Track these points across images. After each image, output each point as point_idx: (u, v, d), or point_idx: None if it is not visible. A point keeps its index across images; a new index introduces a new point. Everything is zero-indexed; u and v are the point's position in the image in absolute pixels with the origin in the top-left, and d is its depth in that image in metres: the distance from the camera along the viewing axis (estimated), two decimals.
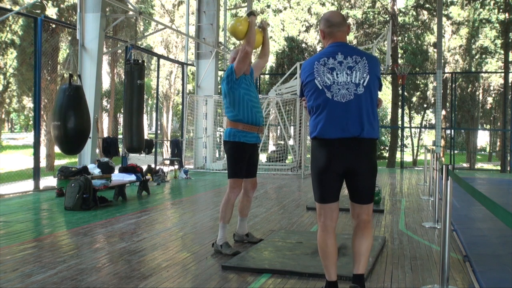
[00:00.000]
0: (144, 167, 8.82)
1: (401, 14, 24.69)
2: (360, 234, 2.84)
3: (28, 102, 22.68)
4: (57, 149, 15.35)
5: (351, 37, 23.34)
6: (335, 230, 2.84)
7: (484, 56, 25.67)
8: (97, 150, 9.29)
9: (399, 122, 19.00)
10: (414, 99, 26.71)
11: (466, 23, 24.61)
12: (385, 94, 32.88)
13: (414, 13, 24.42)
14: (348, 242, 4.24)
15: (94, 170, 7.76)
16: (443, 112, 22.26)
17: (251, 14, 4.05)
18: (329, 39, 2.87)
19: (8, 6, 14.20)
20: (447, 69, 24.64)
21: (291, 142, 13.85)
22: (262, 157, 15.46)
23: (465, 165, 24.85)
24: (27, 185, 8.43)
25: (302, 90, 2.90)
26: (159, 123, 30.88)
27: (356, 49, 2.91)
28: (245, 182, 4.25)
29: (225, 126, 4.29)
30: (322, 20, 2.90)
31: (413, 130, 32.60)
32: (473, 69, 25.11)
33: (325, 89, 2.72)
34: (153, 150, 11.27)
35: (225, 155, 4.28)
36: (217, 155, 14.08)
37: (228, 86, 4.08)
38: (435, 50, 18.21)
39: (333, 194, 2.78)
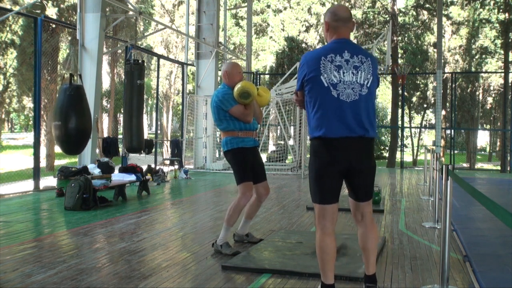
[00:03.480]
0: (144, 167, 8.82)
1: (401, 14, 24.70)
2: (367, 232, 2.84)
3: (28, 102, 22.72)
4: (57, 149, 15.37)
5: (351, 37, 23.35)
6: (334, 232, 2.79)
7: (484, 56, 25.69)
8: (97, 150, 9.29)
9: (399, 122, 19.00)
10: (414, 99, 26.72)
11: (466, 23, 24.61)
12: (385, 94, 32.92)
13: (414, 13, 24.43)
14: (348, 242, 4.24)
15: (94, 170, 7.76)
16: (443, 112, 22.25)
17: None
18: (333, 33, 2.82)
19: (8, 6, 14.20)
20: (447, 69, 24.63)
21: (291, 142, 13.84)
22: (262, 157, 15.45)
23: (465, 165, 24.86)
24: (27, 185, 8.42)
25: (303, 84, 2.79)
26: (159, 123, 30.88)
27: (361, 48, 2.87)
28: (257, 188, 4.25)
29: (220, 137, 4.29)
30: (329, 12, 2.84)
31: (413, 130, 32.60)
32: (473, 69, 25.11)
33: (331, 87, 2.67)
34: (153, 150, 11.27)
35: (230, 165, 4.23)
36: (217, 155, 14.08)
37: (217, 110, 4.08)
38: (435, 50, 18.21)
39: (334, 194, 2.74)
